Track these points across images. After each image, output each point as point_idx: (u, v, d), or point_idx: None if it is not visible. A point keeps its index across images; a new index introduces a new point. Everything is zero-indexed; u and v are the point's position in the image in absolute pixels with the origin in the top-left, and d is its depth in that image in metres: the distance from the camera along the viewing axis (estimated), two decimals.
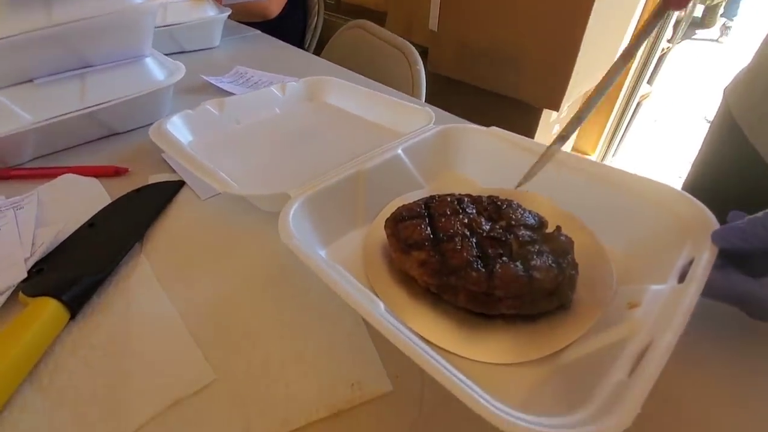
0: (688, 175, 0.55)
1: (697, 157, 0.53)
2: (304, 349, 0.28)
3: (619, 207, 0.36)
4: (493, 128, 0.45)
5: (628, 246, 0.35)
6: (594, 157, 1.93)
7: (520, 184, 0.38)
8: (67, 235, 0.36)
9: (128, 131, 0.53)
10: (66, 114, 0.45)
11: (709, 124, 0.52)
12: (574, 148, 1.89)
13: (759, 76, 0.46)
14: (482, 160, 0.45)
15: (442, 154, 0.45)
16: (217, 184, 0.37)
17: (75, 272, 0.31)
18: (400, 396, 0.26)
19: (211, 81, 0.65)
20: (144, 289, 0.32)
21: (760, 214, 0.27)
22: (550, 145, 0.38)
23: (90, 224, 0.37)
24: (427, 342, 0.29)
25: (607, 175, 0.37)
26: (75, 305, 0.29)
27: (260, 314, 0.31)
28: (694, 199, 0.33)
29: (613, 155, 2.02)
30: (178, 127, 0.48)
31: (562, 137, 0.37)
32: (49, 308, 0.28)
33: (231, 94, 0.64)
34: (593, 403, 0.21)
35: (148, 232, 0.38)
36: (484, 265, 0.30)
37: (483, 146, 0.45)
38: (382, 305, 0.26)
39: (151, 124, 0.53)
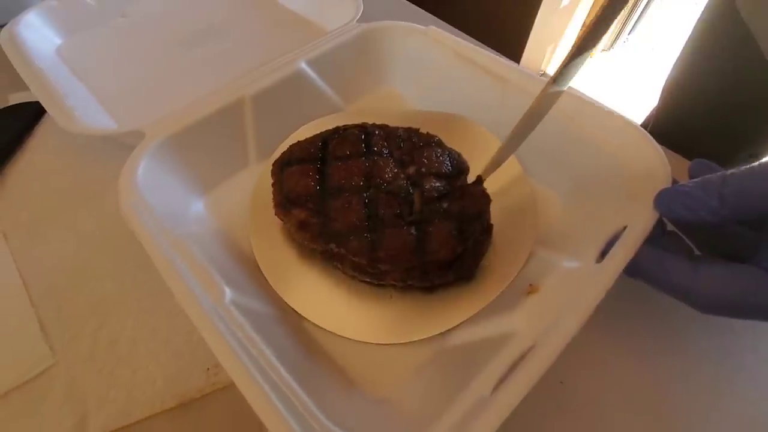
0: (677, 60, 0.47)
1: (687, 40, 0.44)
2: (161, 327, 0.25)
3: (572, 145, 0.29)
4: (432, 28, 0.35)
5: (569, 195, 0.29)
6: (607, 35, 1.69)
7: (486, 173, 0.26)
8: None
9: None
10: None
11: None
12: (582, 25, 1.64)
13: None
14: (418, 72, 0.36)
15: (366, 64, 0.36)
16: (60, 115, 0.29)
17: None
18: None
19: None
20: None
21: (717, 175, 0.20)
22: (544, 90, 0.22)
23: None
24: (301, 317, 0.25)
25: (566, 103, 0.29)
26: None
27: (117, 281, 0.27)
28: (653, 141, 0.25)
29: (629, 33, 1.79)
30: (37, 29, 0.38)
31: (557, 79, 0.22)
32: None
33: None
34: (445, 421, 0.18)
35: (2, 172, 0.32)
36: (373, 229, 0.25)
37: (419, 53, 0.35)
38: (227, 294, 0.21)
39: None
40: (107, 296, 0.26)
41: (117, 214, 0.29)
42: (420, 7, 0.51)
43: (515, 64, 0.31)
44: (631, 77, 1.72)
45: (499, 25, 0.98)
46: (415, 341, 0.24)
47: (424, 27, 0.35)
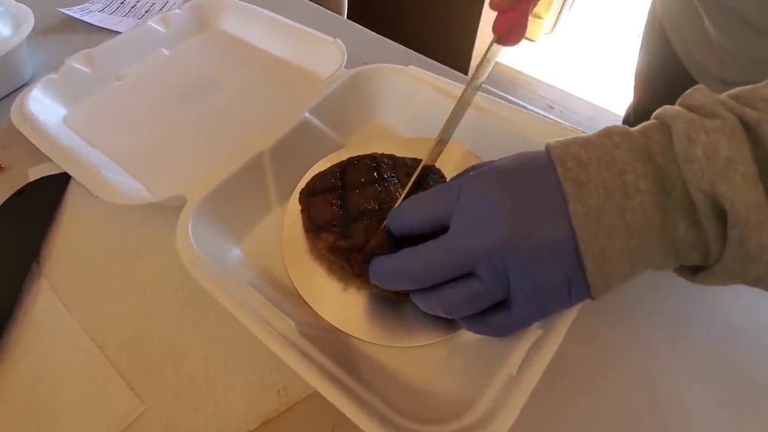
0: (640, 52, 0.49)
1: (635, 74, 0.50)
2: (229, 361, 0.29)
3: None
4: (411, 68, 0.40)
5: None
6: (547, 20, 1.80)
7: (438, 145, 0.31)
8: None
9: None
10: None
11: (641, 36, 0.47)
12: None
13: None
14: (402, 105, 0.41)
15: (358, 103, 0.41)
16: (98, 188, 0.33)
17: None
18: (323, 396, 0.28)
19: (74, 14, 0.52)
20: (52, 320, 0.31)
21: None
22: (463, 92, 0.32)
23: None
24: (341, 332, 0.30)
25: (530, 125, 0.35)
26: None
27: (179, 330, 0.31)
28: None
29: (569, 11, 1.90)
30: (43, 104, 0.40)
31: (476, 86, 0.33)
32: None
33: (105, 29, 0.52)
34: (483, 402, 0.24)
35: (43, 246, 0.35)
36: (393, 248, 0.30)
37: (401, 88, 0.41)
38: (293, 324, 0.26)
39: (14, 91, 0.45)
40: (173, 341, 0.30)
41: (164, 267, 0.34)
42: (369, 28, 0.54)
43: (485, 95, 0.37)
44: (576, 57, 1.83)
45: (444, 39, 1.05)
46: (441, 340, 0.30)
47: (403, 66, 0.40)
